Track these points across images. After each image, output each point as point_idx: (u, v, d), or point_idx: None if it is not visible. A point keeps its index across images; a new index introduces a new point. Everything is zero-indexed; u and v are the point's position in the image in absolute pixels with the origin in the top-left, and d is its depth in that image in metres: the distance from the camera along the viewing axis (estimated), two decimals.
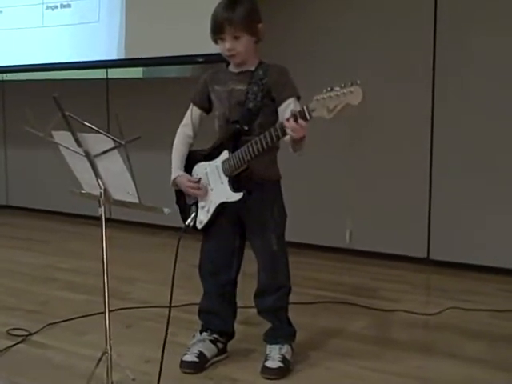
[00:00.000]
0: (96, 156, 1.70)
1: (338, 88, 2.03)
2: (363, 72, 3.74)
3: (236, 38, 2.27)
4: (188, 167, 2.44)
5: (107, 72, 4.81)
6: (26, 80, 5.22)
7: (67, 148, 1.76)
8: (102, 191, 1.77)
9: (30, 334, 2.75)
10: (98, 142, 1.66)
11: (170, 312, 2.20)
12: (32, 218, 5.39)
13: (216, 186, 2.36)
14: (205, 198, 2.39)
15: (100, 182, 1.76)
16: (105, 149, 1.65)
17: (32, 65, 4.87)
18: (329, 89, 2.04)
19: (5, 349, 2.60)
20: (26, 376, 2.38)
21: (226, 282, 2.49)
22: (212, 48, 2.44)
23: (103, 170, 1.75)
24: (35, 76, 5.07)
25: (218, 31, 2.29)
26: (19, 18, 4.92)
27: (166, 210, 1.77)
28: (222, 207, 2.36)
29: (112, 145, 1.64)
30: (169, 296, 2.23)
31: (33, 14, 4.83)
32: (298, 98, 2.33)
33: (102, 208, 1.79)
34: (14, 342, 2.66)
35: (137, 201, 1.72)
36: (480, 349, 2.63)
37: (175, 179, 2.41)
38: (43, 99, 4.87)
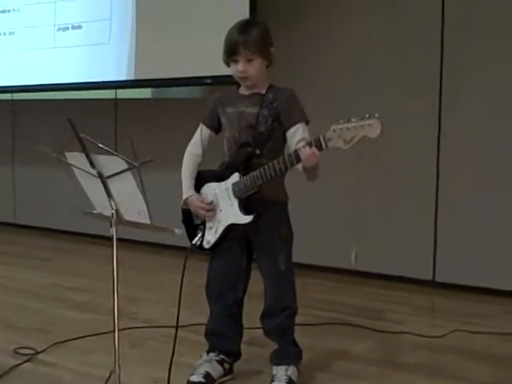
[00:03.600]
0: (109, 177, 1.73)
1: (354, 119, 2.05)
2: (369, 94, 3.81)
3: (249, 60, 2.30)
4: (196, 186, 2.45)
5: (116, 92, 4.86)
6: (37, 100, 5.28)
7: (80, 169, 1.79)
8: (114, 212, 1.80)
9: (37, 353, 2.75)
10: (111, 163, 1.69)
11: (176, 332, 2.22)
12: (38, 236, 5.41)
13: (225, 208, 2.37)
14: (213, 218, 2.40)
15: (112, 203, 1.79)
16: (118, 170, 1.68)
17: (42, 85, 4.93)
18: (346, 119, 2.07)
19: (12, 368, 2.60)
20: None
21: (233, 302, 2.50)
22: (220, 70, 2.48)
23: (115, 191, 1.77)
24: (45, 96, 5.13)
25: (232, 53, 2.32)
26: (31, 40, 5.00)
27: (177, 231, 1.80)
28: (230, 229, 2.37)
29: (125, 166, 1.67)
30: (175, 316, 2.24)
31: (44, 35, 4.91)
32: (307, 123, 2.36)
33: (114, 229, 1.81)
34: (21, 361, 2.66)
35: (148, 222, 1.75)
36: (486, 371, 2.63)
37: (187, 199, 2.43)
38: (53, 118, 4.98)
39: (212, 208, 2.38)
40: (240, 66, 2.31)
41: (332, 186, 4.06)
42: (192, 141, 2.52)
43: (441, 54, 3.76)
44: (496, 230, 3.67)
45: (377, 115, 2.03)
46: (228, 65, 2.38)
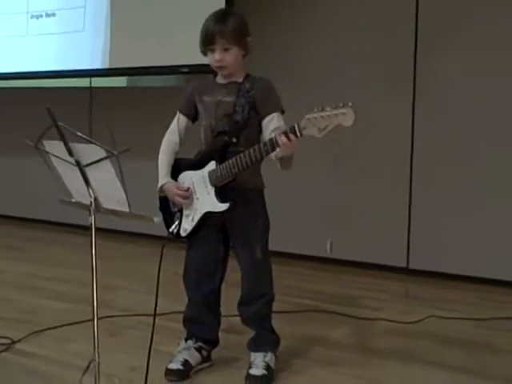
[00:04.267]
0: (87, 165, 1.72)
1: (329, 108, 2.07)
2: (346, 88, 3.84)
3: (226, 49, 2.32)
4: (173, 175, 2.46)
5: (91, 81, 4.82)
6: (10, 88, 5.21)
7: (58, 157, 1.79)
8: (93, 200, 1.80)
9: (14, 342, 2.74)
10: (90, 152, 1.69)
11: (154, 320, 2.22)
12: (12, 225, 5.36)
13: (202, 196, 2.39)
14: (190, 206, 2.42)
15: (90, 191, 1.78)
16: (96, 158, 1.68)
17: (16, 73, 4.87)
18: (320, 108, 2.08)
19: None
20: None
21: (210, 290, 2.51)
22: (196, 58, 2.49)
23: (94, 180, 1.77)
24: (19, 84, 5.07)
25: (208, 42, 2.33)
26: (3, 27, 4.93)
27: (155, 220, 1.80)
28: (207, 217, 2.39)
29: (103, 155, 1.67)
30: (153, 304, 2.25)
31: (17, 22, 4.84)
32: (282, 112, 2.39)
33: (93, 217, 1.81)
34: None
35: (127, 210, 1.75)
36: (459, 356, 2.69)
37: (163, 186, 2.43)
38: (27, 107, 4.92)
39: (189, 195, 2.39)
40: (217, 55, 2.33)
41: (308, 175, 4.09)
42: (169, 129, 2.53)
43: (415, 45, 3.80)
44: (468, 217, 3.74)
45: (350, 104, 2.05)
46: (205, 54, 2.39)
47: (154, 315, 2.24)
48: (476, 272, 3.71)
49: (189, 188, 2.40)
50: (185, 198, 2.39)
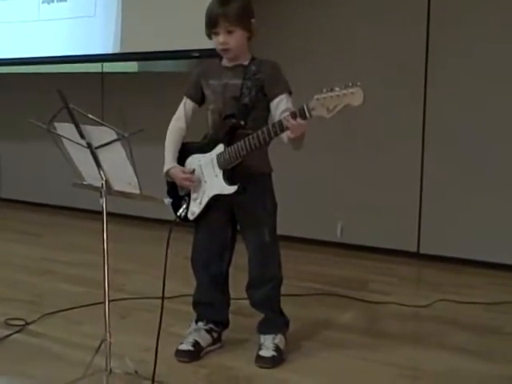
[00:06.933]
0: (98, 148, 1.74)
1: (338, 88, 2.07)
2: (356, 70, 3.82)
3: (229, 32, 2.31)
4: (181, 158, 2.47)
5: (102, 66, 4.83)
6: (21, 73, 5.23)
7: (70, 140, 1.80)
8: (104, 182, 1.81)
9: (27, 324, 2.78)
10: (101, 134, 1.70)
11: (162, 302, 2.24)
12: (25, 210, 5.41)
13: (210, 179, 2.40)
14: (197, 189, 2.43)
15: (102, 173, 1.80)
16: (107, 141, 1.69)
17: (27, 58, 4.89)
18: (329, 89, 2.09)
19: (2, 338, 2.63)
20: (24, 365, 2.42)
21: (218, 273, 2.53)
22: (208, 43, 2.48)
23: (105, 162, 1.79)
24: (31, 69, 5.09)
25: (212, 25, 2.33)
26: (15, 12, 4.94)
27: (166, 201, 1.82)
28: (215, 199, 2.40)
29: (114, 137, 1.68)
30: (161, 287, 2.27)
31: (29, 7, 4.85)
32: (290, 94, 2.39)
33: (104, 199, 1.83)
34: (12, 332, 2.69)
35: (138, 191, 1.76)
36: (469, 340, 2.69)
37: (168, 171, 2.44)
38: (38, 92, 4.95)
39: (194, 178, 2.40)
40: (220, 38, 2.32)
41: (319, 159, 4.09)
42: (176, 114, 2.53)
43: (427, 30, 3.77)
44: (480, 202, 3.72)
45: (359, 83, 2.05)
46: (210, 37, 2.39)
47: (163, 297, 2.25)
48: (487, 257, 3.70)
49: (194, 170, 2.40)
50: (191, 181, 2.40)
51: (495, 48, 3.60)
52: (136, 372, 2.15)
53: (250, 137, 2.26)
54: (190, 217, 2.46)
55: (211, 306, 2.55)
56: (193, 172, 2.41)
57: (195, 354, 2.45)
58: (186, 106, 2.50)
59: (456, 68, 3.72)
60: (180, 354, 2.45)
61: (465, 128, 3.74)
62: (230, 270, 2.57)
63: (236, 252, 2.57)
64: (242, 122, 2.34)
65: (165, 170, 2.45)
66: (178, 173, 2.42)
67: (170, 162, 2.45)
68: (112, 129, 1.65)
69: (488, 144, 3.69)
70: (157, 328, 2.21)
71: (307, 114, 2.13)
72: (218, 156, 2.36)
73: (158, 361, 2.17)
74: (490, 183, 3.70)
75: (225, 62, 2.43)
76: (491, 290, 3.37)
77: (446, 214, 3.82)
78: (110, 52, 4.51)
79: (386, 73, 3.89)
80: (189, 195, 2.46)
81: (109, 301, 1.95)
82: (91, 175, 1.84)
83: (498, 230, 3.68)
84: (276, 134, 2.22)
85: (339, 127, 3.83)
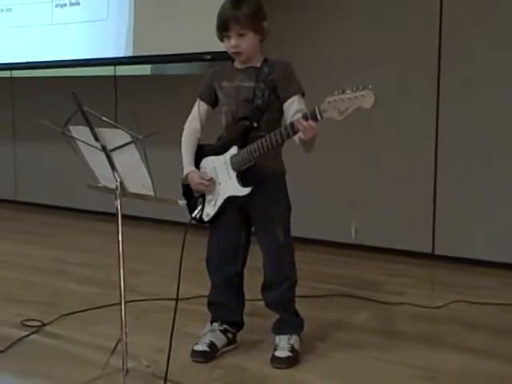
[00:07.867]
0: (113, 150, 1.75)
1: (349, 91, 2.08)
2: (368, 70, 3.82)
3: (241, 35, 2.32)
4: (196, 160, 2.49)
5: (115, 69, 4.86)
6: (35, 77, 5.28)
7: (84, 142, 1.82)
8: (118, 184, 1.83)
9: (44, 325, 2.81)
10: (116, 136, 1.71)
11: (177, 302, 2.25)
12: (39, 213, 5.45)
13: (224, 180, 2.41)
14: (212, 191, 2.44)
15: (116, 176, 1.81)
16: (122, 143, 1.71)
17: (41, 62, 4.93)
18: (340, 91, 2.10)
19: (19, 339, 2.65)
20: (41, 366, 2.44)
21: (233, 274, 2.54)
22: (220, 45, 2.49)
23: (119, 164, 1.80)
24: (44, 73, 5.13)
25: (223, 28, 2.34)
26: (28, 16, 4.98)
27: (180, 202, 1.83)
28: (229, 201, 2.41)
29: (129, 139, 1.69)
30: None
31: (42, 11, 4.89)
32: (303, 95, 2.39)
33: (118, 201, 1.85)
34: (28, 333, 2.71)
35: (152, 193, 1.78)
36: (484, 340, 2.68)
37: (187, 175, 2.45)
38: (52, 96, 4.99)
39: (211, 184, 2.42)
40: (232, 41, 2.33)
41: (333, 160, 4.09)
42: (190, 117, 2.54)
43: (439, 21, 3.76)
44: (495, 202, 3.70)
45: (370, 86, 2.05)
46: (221, 40, 2.40)
47: (177, 297, 2.26)
48: (501, 258, 3.68)
49: (211, 178, 2.42)
50: (207, 186, 2.42)
51: (507, 54, 3.59)
52: (152, 372, 2.16)
53: (263, 139, 2.27)
54: (205, 218, 2.48)
55: (226, 307, 2.56)
56: (210, 179, 2.42)
57: (210, 354, 2.46)
58: (199, 108, 2.51)
59: (470, 60, 3.68)
60: (195, 354, 2.45)
61: (478, 130, 3.71)
62: (246, 271, 2.57)
63: (252, 254, 2.57)
64: (255, 124, 2.35)
65: (184, 173, 2.46)
66: (195, 178, 2.43)
67: (188, 166, 2.46)
68: (126, 131, 1.66)
69: (502, 146, 3.66)
70: (170, 328, 2.22)
71: (318, 116, 2.14)
72: (232, 158, 2.38)
73: (173, 361, 2.18)
74: (504, 185, 3.67)
75: (237, 64, 2.44)
76: (506, 290, 3.35)
77: (460, 214, 3.80)
78: (123, 55, 4.54)
79: (399, 76, 3.87)
80: (204, 197, 2.48)
81: (125, 302, 1.96)
82: (106, 177, 1.85)
83: None
84: (288, 136, 2.23)
85: (353, 130, 3.83)
